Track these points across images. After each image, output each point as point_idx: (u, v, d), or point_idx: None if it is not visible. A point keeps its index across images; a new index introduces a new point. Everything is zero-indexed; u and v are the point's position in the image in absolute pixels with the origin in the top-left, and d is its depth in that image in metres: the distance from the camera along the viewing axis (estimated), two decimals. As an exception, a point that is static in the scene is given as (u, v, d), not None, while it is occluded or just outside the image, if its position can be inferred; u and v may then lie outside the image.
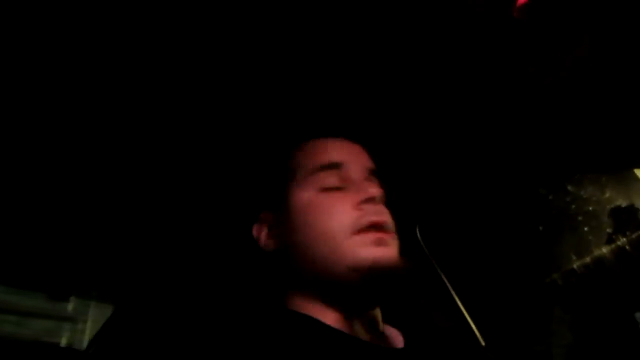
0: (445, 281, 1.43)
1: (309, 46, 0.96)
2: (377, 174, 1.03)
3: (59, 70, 0.92)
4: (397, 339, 0.97)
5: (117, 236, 1.36)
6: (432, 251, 1.47)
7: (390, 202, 0.99)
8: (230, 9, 0.86)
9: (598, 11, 0.89)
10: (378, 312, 0.95)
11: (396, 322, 1.01)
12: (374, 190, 0.92)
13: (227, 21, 0.89)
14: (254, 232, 1.02)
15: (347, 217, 0.90)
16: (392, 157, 1.27)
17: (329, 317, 0.89)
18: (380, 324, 0.95)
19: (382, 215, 0.92)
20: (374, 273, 0.86)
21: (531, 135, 1.22)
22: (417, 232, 1.49)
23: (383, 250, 0.89)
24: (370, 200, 0.91)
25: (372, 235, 0.89)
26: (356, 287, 0.88)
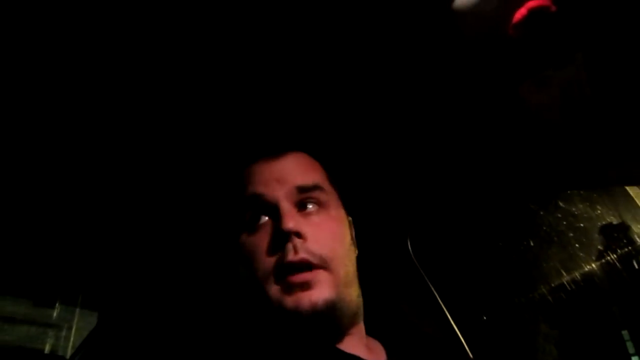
0: (435, 293, 1.42)
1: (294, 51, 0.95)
2: (312, 187, 0.93)
3: (32, 72, 0.91)
4: (380, 352, 0.95)
5: (103, 243, 1.35)
6: (422, 263, 1.46)
7: (380, 212, 0.95)
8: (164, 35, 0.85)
9: (591, 28, 0.89)
10: (356, 328, 0.93)
11: (382, 334, 1.00)
12: (288, 225, 0.84)
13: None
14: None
15: (267, 262, 0.85)
16: (385, 168, 1.27)
17: None
18: (362, 337, 0.94)
19: (300, 252, 0.84)
20: (304, 319, 0.81)
21: (523, 150, 1.22)
22: (408, 243, 1.48)
23: (308, 294, 0.82)
24: (282, 238, 0.84)
25: (295, 278, 0.83)
26: (290, 332, 0.83)
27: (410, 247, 1.48)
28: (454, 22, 0.88)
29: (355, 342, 0.90)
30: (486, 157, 1.26)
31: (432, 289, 1.42)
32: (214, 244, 1.18)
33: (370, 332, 0.98)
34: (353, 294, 0.91)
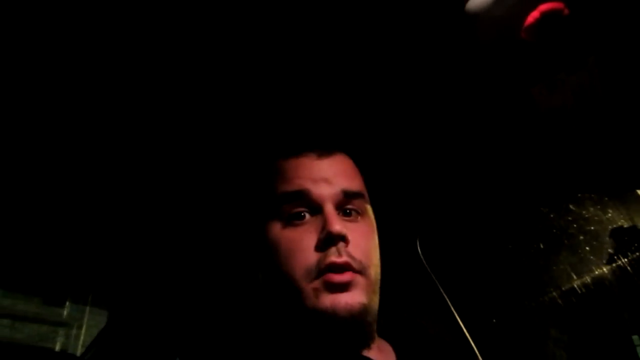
0: (445, 295, 1.42)
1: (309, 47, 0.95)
2: (357, 194, 0.93)
3: (41, 71, 0.92)
4: (389, 353, 0.95)
5: (114, 242, 1.35)
6: (432, 266, 1.46)
7: (390, 213, 0.94)
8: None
9: (604, 31, 0.88)
10: (372, 331, 0.93)
11: (391, 336, 1.00)
12: (336, 227, 0.84)
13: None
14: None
15: (306, 260, 0.84)
16: (395, 170, 1.27)
17: None
18: (373, 338, 0.94)
19: (343, 255, 0.84)
20: (338, 320, 0.81)
21: (534, 153, 1.21)
22: (418, 245, 1.47)
23: (346, 296, 0.82)
24: (329, 240, 0.84)
25: (335, 277, 0.83)
26: (320, 335, 0.83)
27: (419, 249, 1.47)
28: (466, 25, 0.88)
29: (368, 343, 0.90)
30: (497, 160, 1.25)
31: (442, 291, 1.42)
32: (228, 238, 1.18)
33: (379, 333, 0.98)
34: (377, 301, 0.91)
